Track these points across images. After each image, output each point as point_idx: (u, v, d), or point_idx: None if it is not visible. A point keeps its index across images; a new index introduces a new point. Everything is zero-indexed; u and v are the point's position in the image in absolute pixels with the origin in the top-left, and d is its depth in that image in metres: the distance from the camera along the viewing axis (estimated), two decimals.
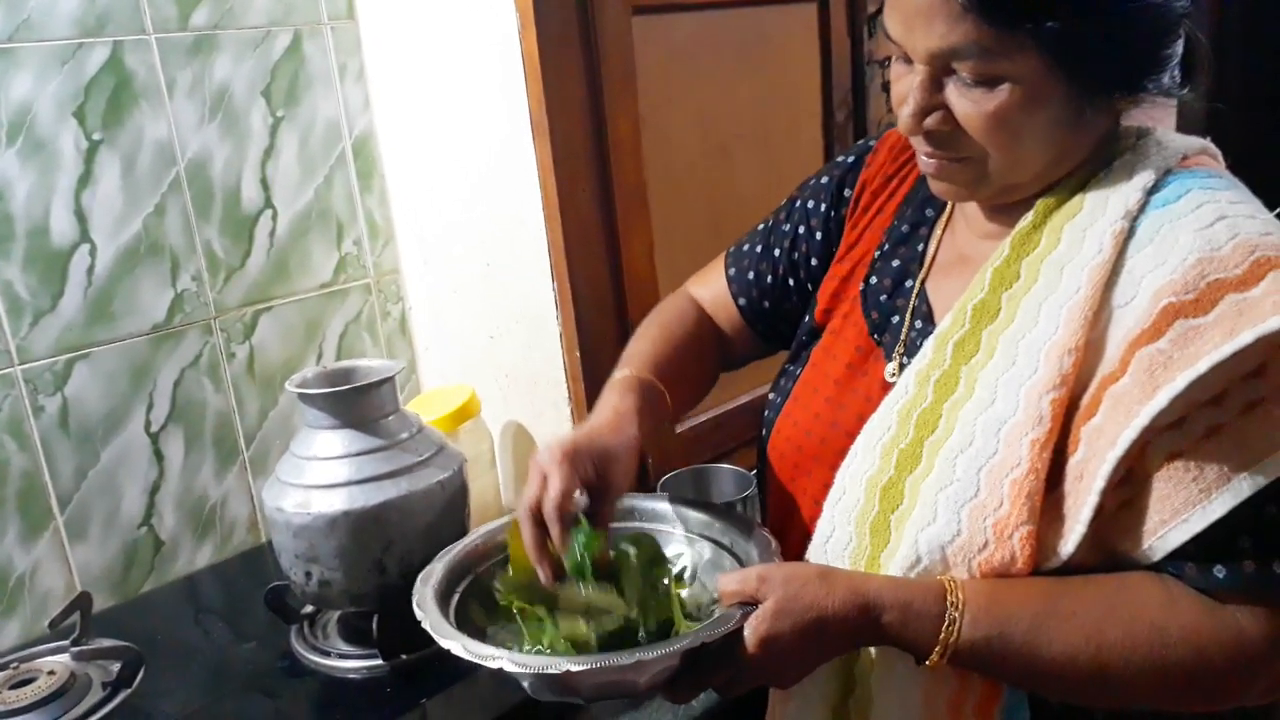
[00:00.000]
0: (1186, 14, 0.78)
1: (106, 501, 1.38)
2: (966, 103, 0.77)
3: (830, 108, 1.72)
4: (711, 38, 1.55)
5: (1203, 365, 0.69)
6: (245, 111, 1.46)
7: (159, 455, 1.42)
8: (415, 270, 1.63)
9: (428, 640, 1.10)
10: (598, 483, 0.86)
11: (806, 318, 1.03)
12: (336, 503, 1.08)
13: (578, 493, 0.84)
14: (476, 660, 0.77)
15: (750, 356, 1.15)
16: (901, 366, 0.90)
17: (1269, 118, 2.72)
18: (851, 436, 0.87)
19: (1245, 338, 0.68)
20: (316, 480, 1.10)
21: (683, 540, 0.97)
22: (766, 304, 1.09)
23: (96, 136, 1.32)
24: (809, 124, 1.73)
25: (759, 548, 0.89)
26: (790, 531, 0.95)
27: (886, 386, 0.89)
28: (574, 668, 0.74)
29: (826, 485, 0.87)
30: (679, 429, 1.59)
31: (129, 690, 1.09)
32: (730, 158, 1.61)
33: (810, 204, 1.06)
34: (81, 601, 1.18)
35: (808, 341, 1.02)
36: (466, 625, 0.85)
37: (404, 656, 1.10)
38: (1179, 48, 0.79)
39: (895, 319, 0.93)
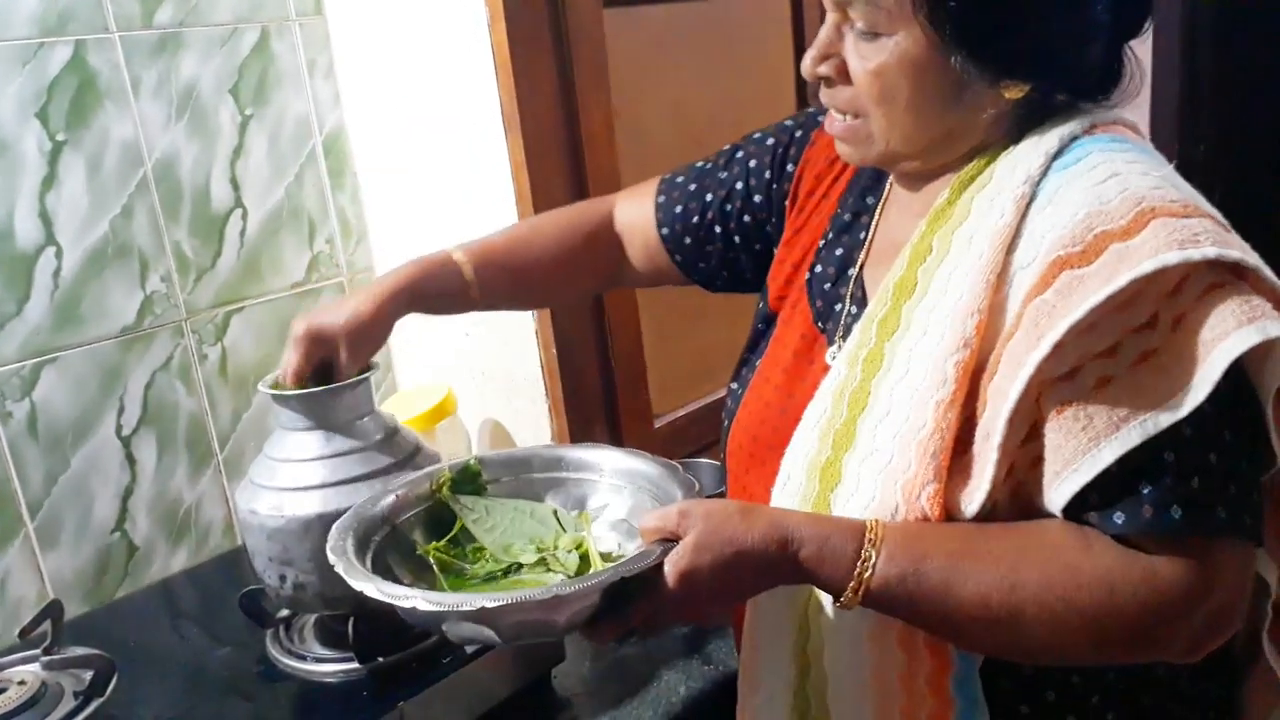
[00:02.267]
0: (1106, 26, 0.79)
1: (78, 507, 1.36)
2: (855, 56, 0.81)
3: (804, 97, 1.72)
4: (684, 29, 1.54)
5: (1081, 311, 0.69)
6: (213, 110, 1.44)
7: (131, 459, 1.40)
8: (389, 267, 1.61)
9: (405, 643, 1.11)
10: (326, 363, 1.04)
11: (761, 304, 1.05)
12: (311, 505, 1.07)
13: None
14: (390, 600, 0.77)
15: (662, 279, 1.18)
16: (840, 350, 0.91)
17: (1241, 112, 2.74)
18: None
19: (1119, 281, 0.69)
20: (290, 483, 1.08)
21: (609, 488, 0.98)
22: (688, 240, 1.11)
23: (60, 137, 1.30)
24: (783, 113, 1.71)
25: (683, 489, 0.89)
26: None
27: (829, 370, 0.90)
28: (489, 604, 0.73)
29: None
30: (657, 424, 1.59)
31: (102, 699, 1.07)
32: (704, 147, 1.58)
33: (753, 164, 1.08)
34: (52, 610, 1.16)
35: (764, 330, 1.03)
36: (382, 574, 0.85)
37: (381, 660, 1.09)
38: (1090, 55, 0.80)
39: (838, 306, 0.94)
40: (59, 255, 1.32)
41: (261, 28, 1.47)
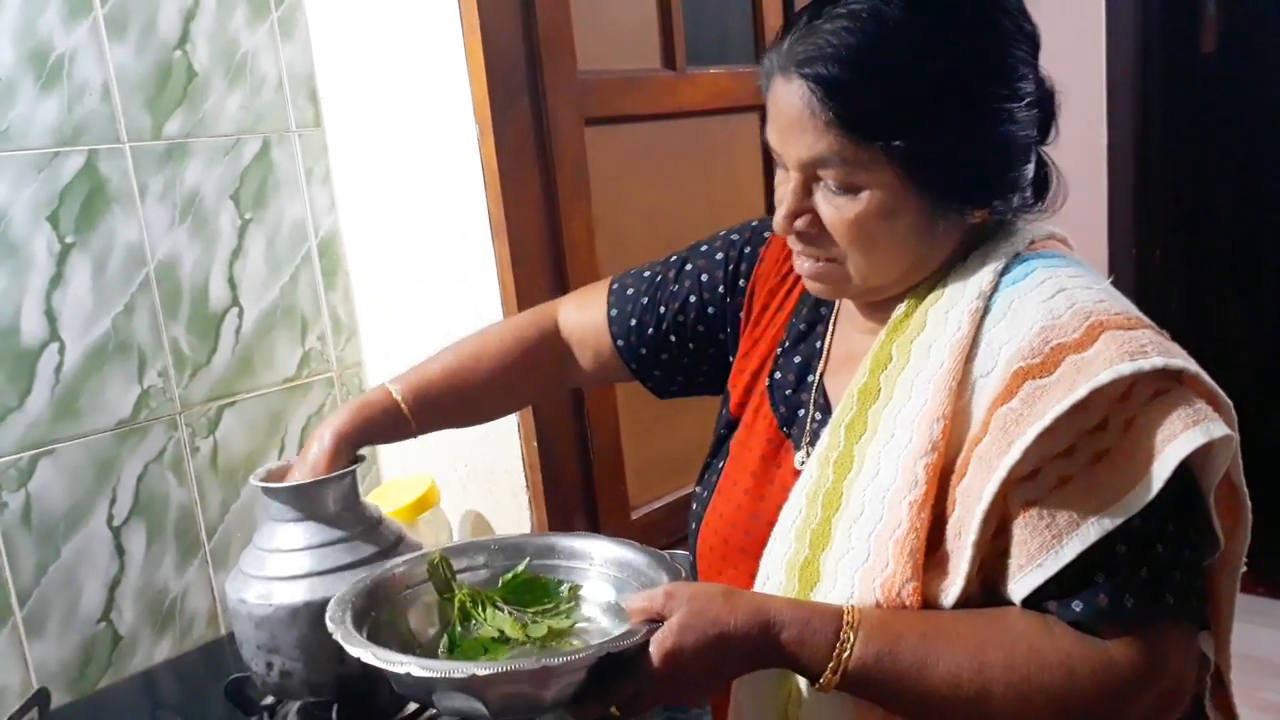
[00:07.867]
0: (1033, 143, 0.88)
1: (66, 597, 1.39)
2: (830, 208, 0.86)
3: (772, 208, 1.82)
4: (660, 145, 1.65)
5: (1048, 418, 0.76)
6: (214, 214, 1.52)
7: (120, 550, 1.44)
8: (377, 364, 1.68)
9: None
10: None
11: (723, 410, 1.09)
12: (298, 594, 1.11)
13: None
14: (385, 666, 0.81)
15: (611, 381, 1.25)
16: (809, 455, 0.95)
17: (1192, 220, 2.90)
18: (772, 526, 0.92)
19: (1081, 391, 0.76)
20: (279, 572, 1.12)
21: (598, 575, 1.03)
22: (644, 351, 1.15)
23: (69, 240, 1.37)
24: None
25: (669, 575, 0.94)
26: None
27: (797, 474, 0.95)
28: (480, 671, 0.78)
29: (752, 575, 0.92)
30: (634, 515, 1.64)
31: None
32: None
33: (704, 277, 1.11)
34: (40, 697, 1.19)
35: (726, 434, 1.07)
36: (380, 643, 0.89)
37: None
38: (1028, 171, 0.89)
39: (800, 412, 1.00)
40: (61, 351, 1.37)
41: (263, 138, 1.57)
